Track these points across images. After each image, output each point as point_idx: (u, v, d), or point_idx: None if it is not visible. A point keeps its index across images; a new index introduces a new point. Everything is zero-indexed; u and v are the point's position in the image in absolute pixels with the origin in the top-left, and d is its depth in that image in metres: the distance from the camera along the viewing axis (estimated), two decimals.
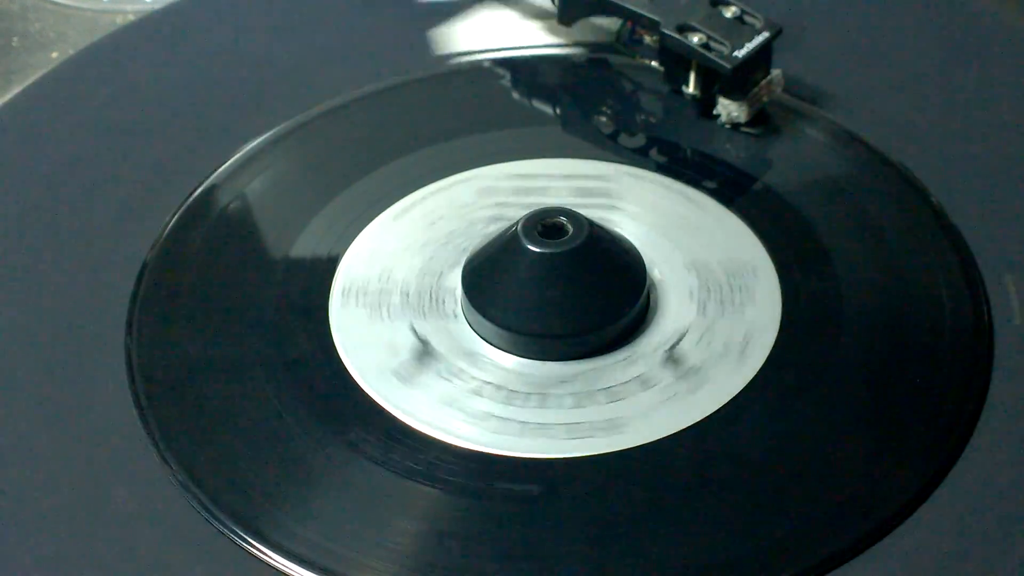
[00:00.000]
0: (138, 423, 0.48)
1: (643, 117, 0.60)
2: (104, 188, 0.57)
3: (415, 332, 0.51)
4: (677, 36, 0.57)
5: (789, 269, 0.52)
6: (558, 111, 0.60)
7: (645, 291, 0.50)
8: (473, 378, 0.49)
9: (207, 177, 0.57)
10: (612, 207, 0.54)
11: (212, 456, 0.47)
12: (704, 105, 0.58)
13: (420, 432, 0.47)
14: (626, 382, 0.48)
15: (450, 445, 0.47)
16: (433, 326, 0.51)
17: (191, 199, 0.56)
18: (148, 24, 0.66)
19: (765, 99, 0.57)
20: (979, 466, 0.45)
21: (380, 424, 0.47)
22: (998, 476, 0.45)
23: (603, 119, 0.60)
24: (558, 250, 0.49)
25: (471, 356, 0.50)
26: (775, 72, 0.57)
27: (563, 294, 0.49)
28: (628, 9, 0.59)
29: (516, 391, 0.48)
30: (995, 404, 0.47)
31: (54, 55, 0.68)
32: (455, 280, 0.51)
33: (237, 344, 0.50)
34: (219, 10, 0.66)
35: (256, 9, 0.66)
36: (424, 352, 0.50)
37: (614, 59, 0.61)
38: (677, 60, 0.58)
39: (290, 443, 0.47)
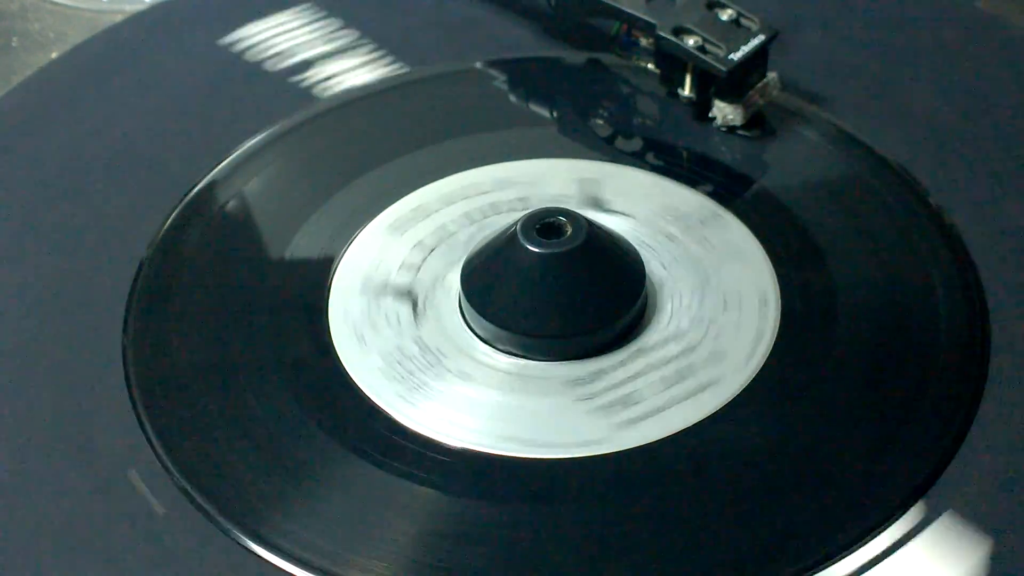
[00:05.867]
0: (135, 422, 0.48)
1: (639, 119, 0.60)
2: (100, 187, 0.56)
3: (413, 332, 0.51)
4: (673, 38, 0.57)
5: (787, 270, 0.52)
6: (555, 113, 0.60)
7: (643, 291, 0.50)
8: (472, 378, 0.49)
9: (204, 176, 0.57)
10: (611, 208, 0.54)
11: (210, 456, 0.47)
12: (700, 108, 0.58)
13: (419, 432, 0.47)
14: (626, 382, 0.48)
15: (449, 445, 0.47)
16: (432, 326, 0.51)
17: (188, 198, 0.56)
18: (144, 20, 0.66)
19: (761, 102, 0.58)
20: (975, 464, 0.45)
21: (379, 424, 0.47)
22: (994, 474, 0.45)
23: (599, 121, 0.60)
24: (557, 250, 0.49)
25: (470, 356, 0.50)
26: (771, 75, 0.57)
27: (562, 294, 0.49)
28: (624, 11, 0.59)
29: (515, 391, 0.48)
30: (992, 403, 0.47)
31: (54, 55, 0.68)
32: (454, 280, 0.51)
33: (235, 344, 0.50)
34: (217, 7, 0.66)
35: (255, 6, 0.66)
36: (422, 352, 0.50)
37: (610, 61, 0.61)
38: (673, 62, 0.58)
39: (289, 443, 0.47)
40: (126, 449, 0.47)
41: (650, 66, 0.60)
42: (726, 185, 0.56)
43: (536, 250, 0.49)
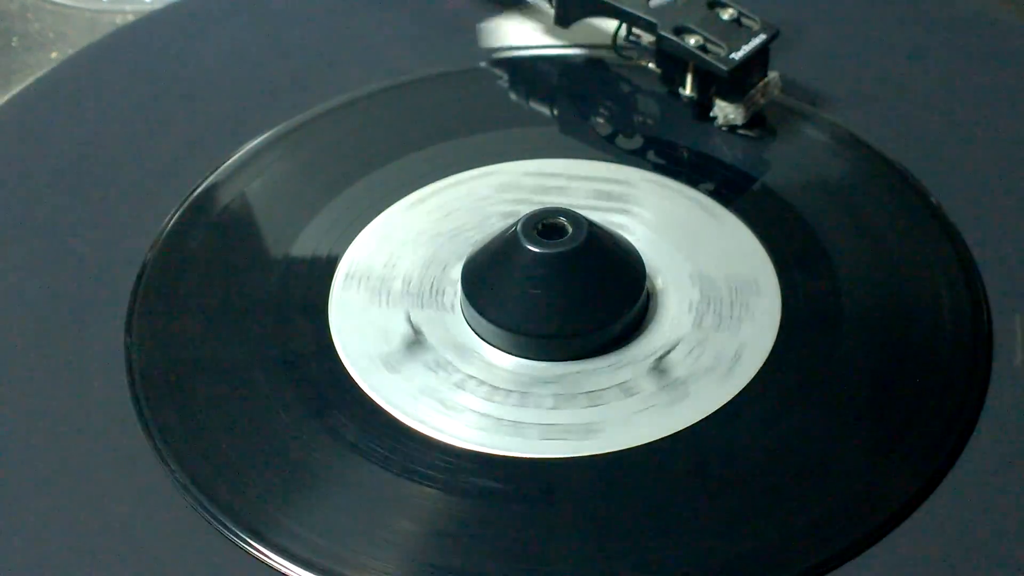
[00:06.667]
0: (137, 423, 0.48)
1: (640, 118, 0.60)
2: (103, 188, 0.56)
3: (414, 331, 0.51)
4: (674, 38, 0.57)
5: (788, 270, 0.52)
6: (555, 112, 0.60)
7: (644, 292, 0.50)
8: (473, 377, 0.49)
9: (207, 177, 0.57)
10: (615, 208, 0.54)
11: (211, 456, 0.47)
12: (701, 107, 0.58)
13: (420, 432, 0.47)
14: (626, 382, 0.48)
15: (450, 445, 0.47)
16: (433, 326, 0.51)
17: (191, 198, 0.56)
18: (148, 24, 0.66)
19: (762, 101, 0.58)
20: (978, 468, 0.45)
21: (380, 424, 0.47)
22: (997, 478, 0.45)
23: (600, 120, 0.60)
24: (557, 250, 0.49)
25: (470, 355, 0.50)
26: (772, 74, 0.57)
27: (562, 294, 0.49)
28: (625, 11, 0.59)
29: (515, 391, 0.48)
30: (994, 405, 0.47)
31: (54, 55, 0.68)
32: (455, 279, 0.51)
33: (237, 344, 0.50)
34: (219, 10, 0.66)
35: (256, 8, 0.66)
36: (423, 351, 0.50)
37: (611, 60, 0.61)
38: (674, 62, 0.58)
39: (290, 443, 0.47)
40: (128, 448, 0.47)
41: (651, 65, 0.60)
42: (727, 184, 0.56)
43: (536, 250, 0.49)
